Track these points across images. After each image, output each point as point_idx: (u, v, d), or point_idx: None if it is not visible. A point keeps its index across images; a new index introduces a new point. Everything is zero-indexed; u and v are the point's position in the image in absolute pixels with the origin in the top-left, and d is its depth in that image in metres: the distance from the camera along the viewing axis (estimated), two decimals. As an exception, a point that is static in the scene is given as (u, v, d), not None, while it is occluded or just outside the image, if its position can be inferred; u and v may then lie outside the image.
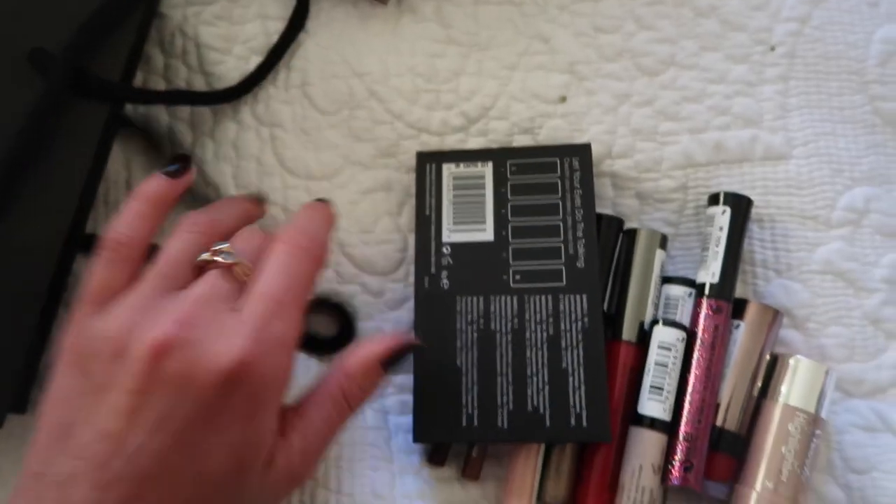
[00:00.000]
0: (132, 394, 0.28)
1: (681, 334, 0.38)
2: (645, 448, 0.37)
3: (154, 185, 0.34)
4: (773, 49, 0.42)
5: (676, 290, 0.39)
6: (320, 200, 0.37)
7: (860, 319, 0.39)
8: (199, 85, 0.44)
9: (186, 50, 0.44)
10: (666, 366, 0.37)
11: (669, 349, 0.38)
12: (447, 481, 0.38)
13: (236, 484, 0.30)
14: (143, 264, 0.33)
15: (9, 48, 0.37)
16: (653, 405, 0.37)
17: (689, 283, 0.39)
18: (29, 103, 0.36)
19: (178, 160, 0.36)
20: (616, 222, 0.41)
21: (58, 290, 0.39)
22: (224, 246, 0.33)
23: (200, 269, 0.32)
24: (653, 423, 0.37)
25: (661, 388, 0.37)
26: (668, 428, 0.37)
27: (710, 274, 0.38)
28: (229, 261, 0.32)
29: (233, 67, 0.44)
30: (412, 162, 0.42)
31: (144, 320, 0.30)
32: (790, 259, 0.40)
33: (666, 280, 0.40)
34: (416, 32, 0.43)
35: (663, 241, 0.40)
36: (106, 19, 0.38)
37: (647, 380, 0.37)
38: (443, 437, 0.37)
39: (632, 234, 0.40)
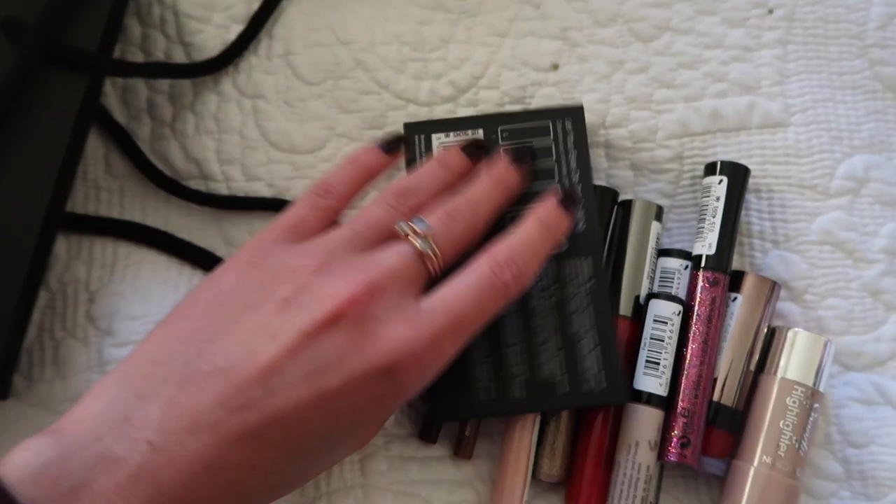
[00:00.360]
0: (302, 335, 0.28)
1: (677, 307, 0.37)
2: (641, 424, 0.36)
3: (369, 156, 0.36)
4: (770, 12, 0.41)
5: (672, 263, 0.38)
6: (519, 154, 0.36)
7: (859, 291, 0.39)
8: (179, 56, 0.42)
9: (164, 19, 0.42)
10: (662, 340, 0.37)
11: (665, 323, 0.37)
12: (440, 460, 0.37)
13: (344, 450, 0.31)
14: (336, 221, 0.34)
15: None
16: (649, 380, 0.36)
17: (685, 255, 0.38)
18: (1, 74, 0.35)
19: (394, 140, 0.37)
20: (610, 194, 0.39)
21: (38, 272, 0.38)
22: (425, 228, 0.32)
23: (393, 237, 0.32)
24: (649, 399, 0.36)
25: (657, 363, 0.36)
26: (665, 403, 0.36)
27: (706, 245, 0.37)
28: (425, 249, 0.32)
29: (213, 36, 0.42)
30: (400, 134, 0.41)
31: (334, 268, 0.30)
32: (788, 230, 0.39)
33: (662, 252, 0.39)
34: (402, -2, 0.42)
35: (659, 213, 0.39)
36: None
37: (643, 354, 0.37)
38: (460, 413, 0.36)
39: (626, 206, 0.39)
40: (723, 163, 0.38)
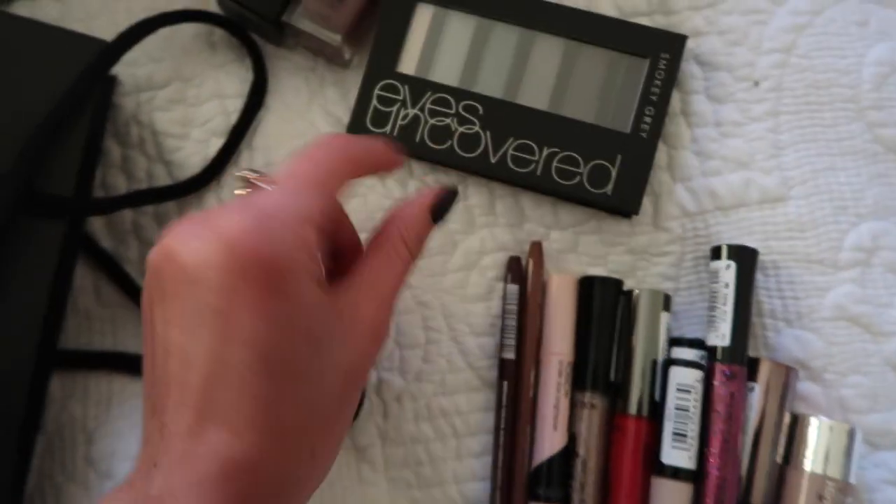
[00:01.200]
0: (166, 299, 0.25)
1: (698, 374, 0.36)
2: (671, 500, 0.34)
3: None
4: (756, 84, 0.39)
5: (686, 354, 0.37)
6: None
7: (880, 366, 0.37)
8: (161, 174, 0.41)
9: (143, 139, 0.41)
10: (687, 410, 0.35)
11: (689, 391, 0.35)
12: None
13: (316, 355, 0.26)
14: None
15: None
16: (677, 454, 0.35)
17: (698, 344, 0.37)
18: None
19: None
20: (612, 284, 0.38)
21: (34, 416, 0.37)
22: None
23: None
24: (677, 473, 0.35)
25: (684, 435, 0.35)
26: (694, 477, 0.35)
27: (719, 336, 0.36)
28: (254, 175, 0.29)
29: (193, 152, 0.41)
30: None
31: None
32: (799, 307, 0.38)
33: (673, 342, 0.37)
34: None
35: (667, 302, 0.37)
36: (51, 131, 0.35)
37: (669, 427, 0.35)
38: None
39: (632, 296, 0.37)
40: (729, 247, 0.37)
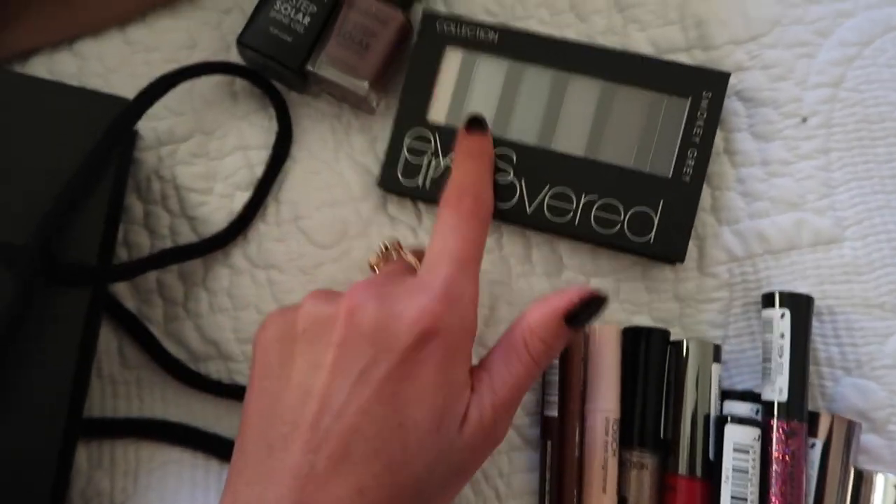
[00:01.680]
0: (332, 351, 0.29)
1: (756, 432, 0.34)
2: None
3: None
4: (804, 121, 0.38)
5: (739, 408, 0.35)
6: (472, 129, 0.35)
7: (949, 416, 0.35)
8: (184, 230, 0.40)
9: (166, 194, 0.40)
10: (746, 471, 0.33)
11: (747, 452, 0.33)
12: None
13: (436, 438, 0.29)
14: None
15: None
16: None
17: (751, 396, 0.35)
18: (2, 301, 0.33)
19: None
20: (660, 335, 0.36)
21: (61, 491, 0.36)
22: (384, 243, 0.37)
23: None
24: None
25: (744, 499, 0.33)
26: None
27: (776, 390, 0.34)
28: (384, 247, 0.36)
29: (218, 207, 0.40)
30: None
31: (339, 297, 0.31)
32: (859, 355, 0.36)
33: (725, 395, 0.35)
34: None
35: (717, 353, 0.35)
36: (73, 197, 0.34)
37: (727, 490, 0.33)
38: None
39: (680, 347, 0.36)
40: (782, 294, 0.35)
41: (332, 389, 0.28)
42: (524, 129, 0.38)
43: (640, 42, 0.39)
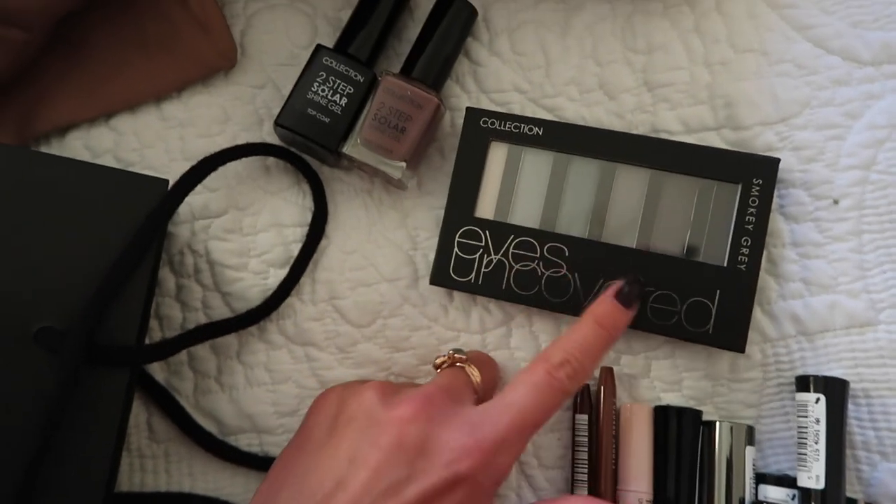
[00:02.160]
0: (378, 449, 0.30)
1: (791, 492, 0.34)
2: None
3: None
4: (836, 202, 0.38)
5: (776, 493, 0.34)
6: (622, 299, 0.34)
7: None
8: (217, 303, 0.40)
9: (199, 268, 0.41)
10: None
11: None
12: None
13: None
14: None
15: (10, 330, 0.34)
16: None
17: (787, 481, 0.35)
18: (40, 387, 0.33)
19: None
20: (692, 415, 0.36)
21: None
22: (460, 351, 0.36)
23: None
24: None
25: None
26: None
27: (812, 478, 0.34)
28: (461, 356, 0.35)
29: (251, 284, 0.40)
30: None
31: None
32: (895, 440, 0.36)
33: (759, 478, 0.35)
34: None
35: (751, 435, 0.35)
36: (116, 282, 0.34)
37: None
38: None
39: (712, 428, 0.35)
40: (816, 378, 0.35)
41: (363, 488, 0.29)
42: (574, 222, 0.38)
43: (670, 121, 0.39)
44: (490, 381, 0.36)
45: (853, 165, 0.38)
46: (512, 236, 0.38)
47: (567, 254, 0.37)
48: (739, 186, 0.36)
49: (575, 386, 0.32)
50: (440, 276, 0.38)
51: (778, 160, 0.36)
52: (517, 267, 0.37)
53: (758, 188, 0.36)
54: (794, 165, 0.38)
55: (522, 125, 0.38)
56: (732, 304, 0.35)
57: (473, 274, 0.38)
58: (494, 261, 0.38)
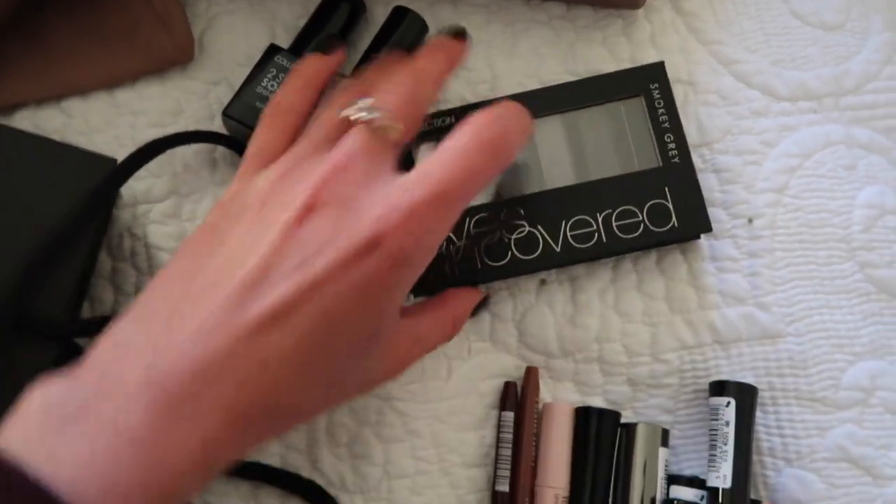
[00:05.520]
0: (281, 232, 0.28)
1: (700, 492, 0.35)
2: None
3: (307, 63, 0.37)
4: (750, 221, 0.40)
5: (685, 493, 0.35)
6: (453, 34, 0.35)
7: (884, 512, 0.36)
8: (151, 288, 0.40)
9: (136, 252, 0.41)
10: None
11: None
12: None
13: (360, 350, 0.30)
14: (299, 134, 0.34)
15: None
16: None
17: (698, 483, 0.36)
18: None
19: (328, 39, 0.37)
20: (611, 416, 0.37)
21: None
22: (367, 101, 0.32)
23: (345, 127, 0.32)
24: None
25: None
26: None
27: (721, 477, 0.35)
28: (376, 118, 0.31)
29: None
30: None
31: (298, 172, 0.31)
32: (800, 446, 0.37)
33: (672, 479, 0.36)
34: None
35: (665, 437, 0.36)
36: (50, 253, 0.34)
37: None
38: None
39: (630, 430, 0.37)
40: (728, 383, 0.36)
41: (265, 267, 0.28)
42: (515, 185, 0.39)
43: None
44: (413, 114, 0.33)
45: (768, 189, 0.41)
46: (467, 218, 0.39)
47: (523, 212, 0.38)
48: (642, 97, 0.39)
49: (504, 154, 0.31)
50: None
51: (661, 62, 0.40)
52: (484, 242, 0.38)
53: (657, 91, 0.39)
54: (714, 186, 0.41)
55: (436, 120, 0.40)
56: (683, 194, 0.38)
57: (448, 268, 0.38)
58: (462, 247, 0.38)
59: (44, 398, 0.26)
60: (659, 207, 0.38)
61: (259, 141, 0.34)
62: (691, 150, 0.41)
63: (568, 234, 0.38)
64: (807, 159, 0.41)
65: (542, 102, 0.40)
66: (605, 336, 0.39)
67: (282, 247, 0.28)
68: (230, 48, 0.43)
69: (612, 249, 0.38)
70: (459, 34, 0.35)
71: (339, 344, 0.29)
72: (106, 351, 0.28)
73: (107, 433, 0.25)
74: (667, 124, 0.39)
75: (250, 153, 0.34)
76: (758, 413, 0.38)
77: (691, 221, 0.38)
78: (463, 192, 0.30)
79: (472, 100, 0.42)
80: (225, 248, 0.29)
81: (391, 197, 0.29)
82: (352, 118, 0.32)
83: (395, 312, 0.31)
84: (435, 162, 0.30)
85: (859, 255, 0.40)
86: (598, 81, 0.40)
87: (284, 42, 0.43)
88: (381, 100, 0.32)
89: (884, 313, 0.39)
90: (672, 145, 0.38)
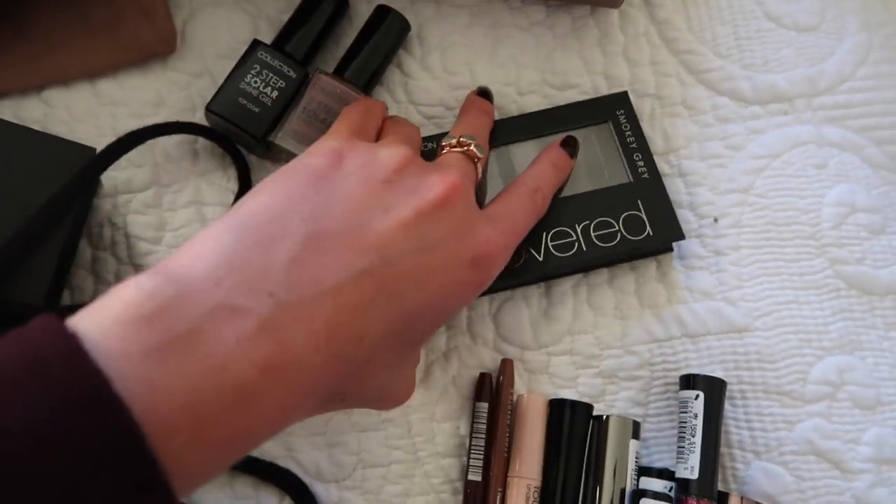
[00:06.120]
0: (415, 212, 0.30)
1: (669, 483, 0.36)
2: None
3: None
4: (716, 221, 0.41)
5: (655, 485, 0.36)
6: (568, 144, 0.40)
7: (850, 504, 0.37)
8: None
9: (115, 241, 0.41)
10: None
11: None
12: None
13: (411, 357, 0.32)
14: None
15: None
16: None
17: (667, 474, 0.36)
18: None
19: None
20: (583, 408, 0.38)
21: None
22: (469, 137, 0.36)
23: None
24: None
25: None
26: None
27: (688, 469, 0.36)
28: (474, 150, 0.35)
29: (164, 257, 0.41)
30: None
31: (420, 164, 0.32)
32: (768, 440, 0.38)
33: (643, 471, 0.37)
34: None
35: (636, 430, 0.37)
36: (27, 241, 0.35)
37: None
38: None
39: (602, 422, 0.37)
40: (697, 377, 0.37)
41: (392, 239, 0.29)
42: None
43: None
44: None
45: (733, 189, 0.42)
46: None
47: None
48: (609, 123, 0.41)
49: (544, 210, 0.37)
50: None
51: (625, 91, 0.42)
52: None
53: (623, 116, 0.42)
54: (681, 189, 0.42)
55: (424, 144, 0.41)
56: (655, 205, 0.39)
57: None
58: None
59: (154, 303, 0.23)
60: (634, 218, 0.39)
61: (355, 120, 0.36)
62: (658, 158, 0.42)
63: (549, 245, 0.39)
64: (774, 160, 0.42)
65: (520, 128, 0.41)
66: (577, 329, 0.40)
67: (409, 227, 0.29)
68: (213, 41, 0.44)
69: (592, 257, 0.39)
70: (573, 147, 0.40)
71: (416, 337, 0.30)
72: (219, 259, 0.25)
73: (215, 371, 0.23)
74: (634, 144, 0.41)
75: (345, 125, 0.35)
76: (727, 406, 0.38)
77: (666, 231, 0.39)
78: (524, 235, 0.36)
79: (453, 103, 0.43)
80: (349, 200, 0.29)
81: (495, 227, 0.33)
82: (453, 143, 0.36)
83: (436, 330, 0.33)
84: (511, 207, 0.35)
85: (829, 252, 0.41)
86: (570, 109, 0.42)
87: (267, 37, 0.43)
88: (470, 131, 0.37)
89: (853, 309, 0.40)
90: (641, 162, 0.40)
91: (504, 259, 0.33)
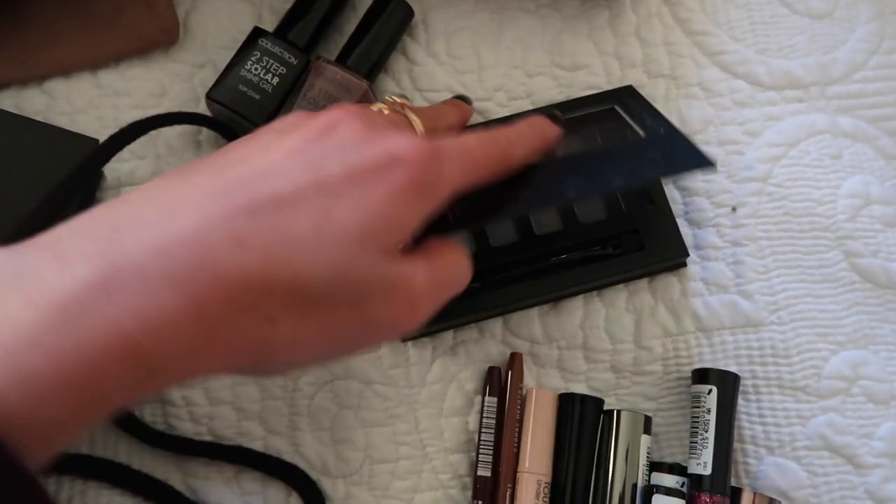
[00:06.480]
0: (301, 139, 0.27)
1: (681, 479, 0.35)
2: None
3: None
4: (734, 210, 0.40)
5: (667, 481, 0.36)
6: (551, 116, 0.36)
7: (864, 500, 0.36)
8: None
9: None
10: None
11: None
12: None
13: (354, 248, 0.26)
14: None
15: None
16: None
17: (679, 469, 0.36)
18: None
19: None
20: (594, 403, 0.37)
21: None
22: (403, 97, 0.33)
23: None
24: None
25: None
26: None
27: (701, 464, 0.35)
28: (401, 100, 0.33)
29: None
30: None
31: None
32: (781, 435, 0.37)
33: (654, 466, 0.36)
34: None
35: (647, 425, 0.36)
36: (29, 233, 0.34)
37: None
38: None
39: (613, 417, 0.37)
40: (710, 371, 0.36)
41: (275, 165, 0.26)
42: (505, 232, 0.39)
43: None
44: (434, 131, 0.34)
45: (751, 178, 0.41)
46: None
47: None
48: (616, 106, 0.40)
49: (514, 157, 0.32)
50: None
51: (630, 85, 0.41)
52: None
53: (631, 98, 0.40)
54: (697, 175, 0.41)
55: None
56: (659, 225, 0.38)
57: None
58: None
59: None
60: (632, 238, 0.38)
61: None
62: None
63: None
64: (791, 148, 0.41)
65: None
66: (589, 323, 0.39)
67: (295, 151, 0.26)
68: (215, 31, 0.43)
69: (595, 275, 0.38)
70: (558, 118, 0.38)
71: (388, 248, 0.27)
72: (64, 227, 0.24)
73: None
74: (644, 113, 0.39)
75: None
76: (740, 401, 0.38)
77: (668, 251, 0.38)
78: (478, 165, 0.30)
79: (460, 88, 0.42)
80: (234, 154, 0.27)
81: (419, 140, 0.28)
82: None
83: (397, 243, 0.28)
84: (460, 137, 0.31)
85: (844, 245, 0.40)
86: (574, 103, 0.41)
87: (270, 26, 0.42)
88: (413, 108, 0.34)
89: (868, 302, 0.39)
90: (631, 197, 0.39)
91: (433, 168, 0.27)
